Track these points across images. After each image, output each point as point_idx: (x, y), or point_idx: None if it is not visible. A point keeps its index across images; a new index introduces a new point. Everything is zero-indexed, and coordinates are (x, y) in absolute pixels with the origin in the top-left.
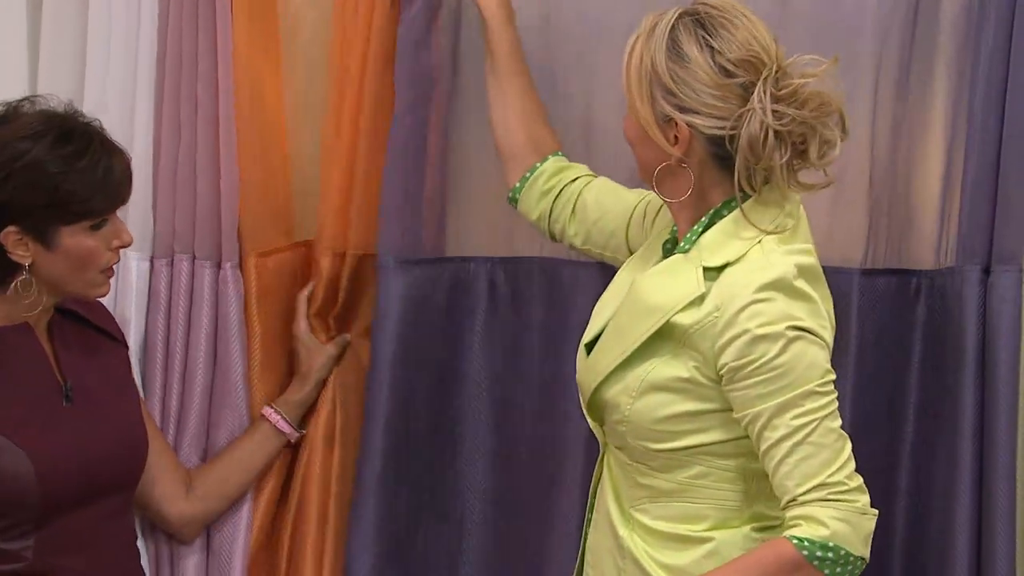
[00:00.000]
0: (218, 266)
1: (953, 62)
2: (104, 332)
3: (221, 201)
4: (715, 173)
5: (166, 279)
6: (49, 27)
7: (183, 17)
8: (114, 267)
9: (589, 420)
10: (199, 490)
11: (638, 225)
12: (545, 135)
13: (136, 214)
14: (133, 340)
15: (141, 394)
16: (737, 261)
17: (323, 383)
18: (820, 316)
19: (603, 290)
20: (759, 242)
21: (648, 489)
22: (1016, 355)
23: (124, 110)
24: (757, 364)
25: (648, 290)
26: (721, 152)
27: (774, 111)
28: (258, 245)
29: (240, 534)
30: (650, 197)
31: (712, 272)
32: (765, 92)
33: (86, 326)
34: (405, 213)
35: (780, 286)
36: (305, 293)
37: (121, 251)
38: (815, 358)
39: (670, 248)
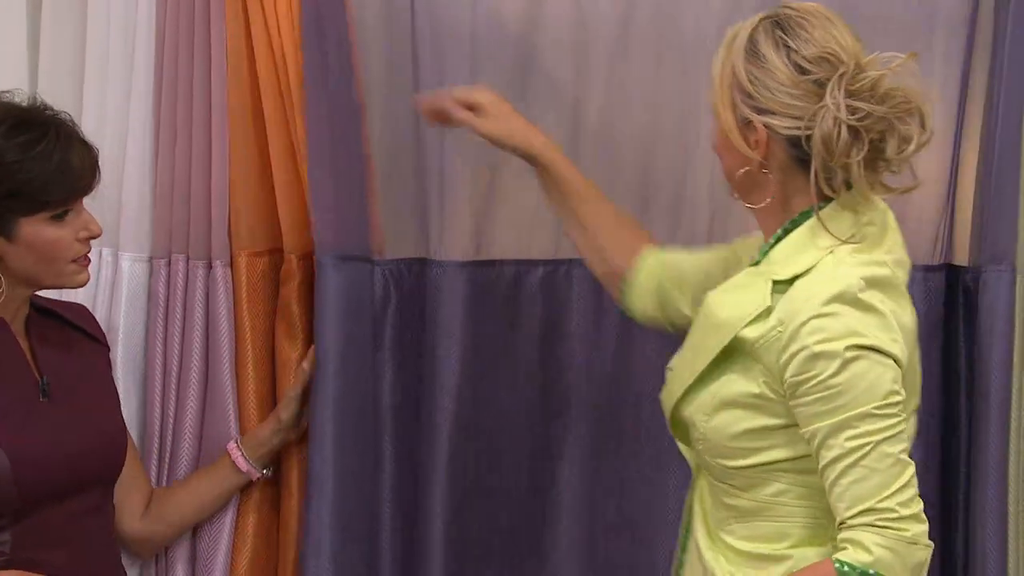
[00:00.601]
0: (210, 266)
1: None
2: (84, 332)
3: (212, 200)
4: (797, 178)
5: (164, 279)
6: (49, 29)
7: (180, 17)
8: (89, 256)
9: (677, 442)
10: (155, 512)
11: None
12: (636, 238)
13: (131, 213)
14: (124, 343)
15: (120, 397)
16: (806, 273)
17: (295, 424)
18: (890, 330)
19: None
20: (831, 252)
21: (733, 510)
22: (1008, 354)
23: (122, 111)
24: (815, 382)
25: (717, 305)
26: (800, 154)
27: (849, 107)
28: (249, 245)
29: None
30: (735, 245)
31: (782, 285)
32: (839, 88)
33: (65, 325)
34: (337, 207)
35: (845, 299)
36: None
37: (118, 253)
38: (877, 378)
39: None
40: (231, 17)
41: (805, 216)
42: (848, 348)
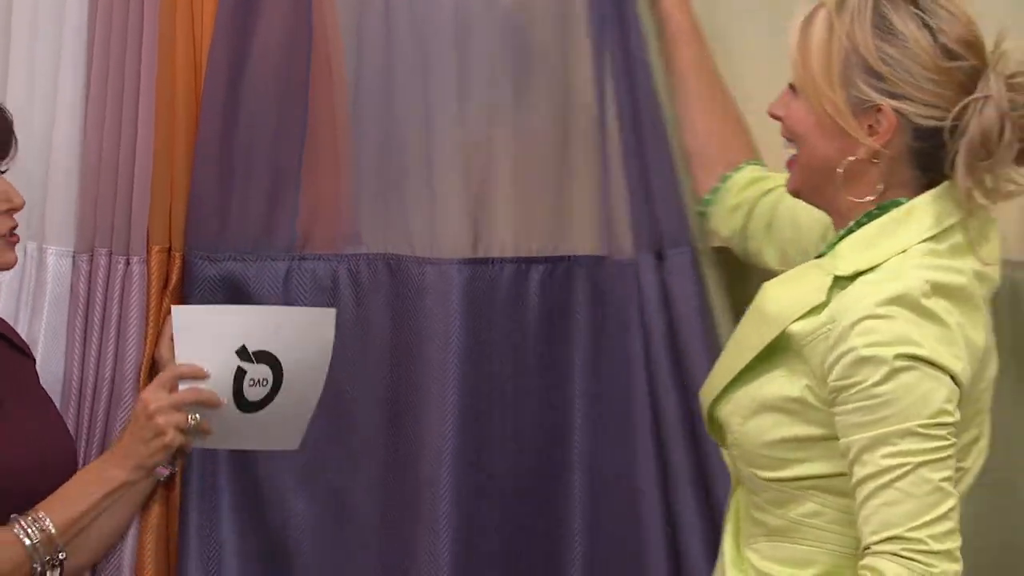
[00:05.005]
0: (128, 262)
1: None
2: (11, 343)
3: (133, 194)
4: (903, 171)
5: (85, 276)
6: None
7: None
8: (16, 233)
9: (720, 445)
10: (74, 541)
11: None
12: (737, 138)
13: (58, 203)
14: (45, 352)
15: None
16: (871, 270)
17: None
18: (952, 344)
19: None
20: (904, 251)
21: (762, 526)
22: (702, 337)
23: (49, 92)
24: (857, 389)
25: (770, 298)
26: (926, 146)
27: (1010, 100)
28: (161, 241)
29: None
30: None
31: (844, 281)
32: (999, 77)
33: None
34: (221, 200)
35: (904, 302)
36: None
37: (43, 247)
38: (926, 394)
39: None
40: (164, 8)
41: (884, 209)
42: (898, 356)
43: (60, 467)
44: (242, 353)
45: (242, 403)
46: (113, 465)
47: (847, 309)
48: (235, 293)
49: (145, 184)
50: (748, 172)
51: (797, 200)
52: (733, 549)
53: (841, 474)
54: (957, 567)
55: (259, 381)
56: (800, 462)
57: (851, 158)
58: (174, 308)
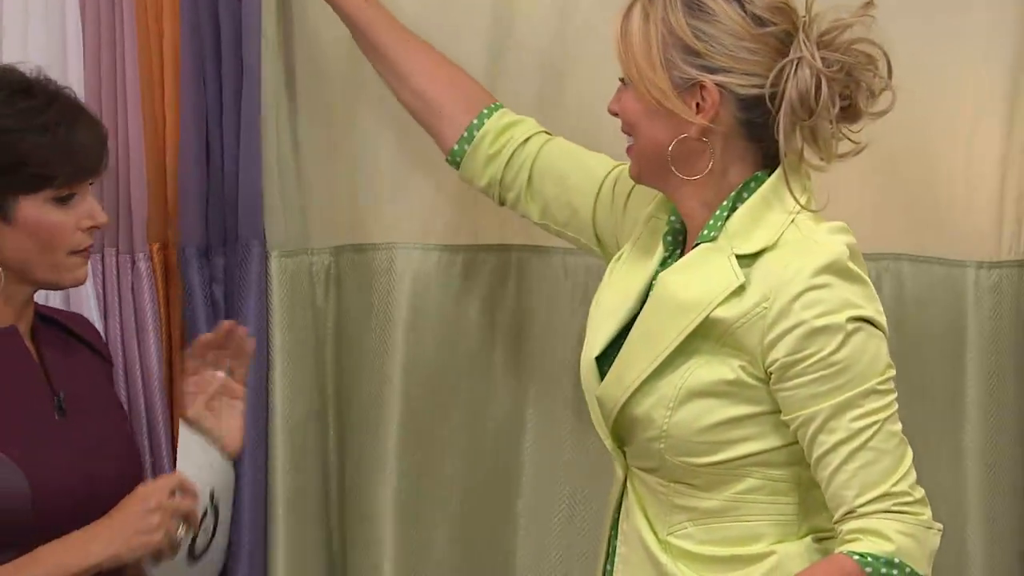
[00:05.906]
0: (133, 261)
1: None
2: (88, 345)
3: (131, 191)
4: (738, 145)
5: (99, 275)
6: None
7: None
8: (90, 250)
9: (609, 444)
10: None
11: (607, 205)
12: (469, 84)
13: None
14: None
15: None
16: (775, 246)
17: None
18: (875, 300)
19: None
20: (792, 222)
21: (689, 511)
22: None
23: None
24: (814, 359)
25: (678, 286)
26: (753, 117)
27: (824, 58)
28: (164, 237)
29: None
30: (620, 170)
31: (747, 260)
32: (809, 37)
33: (69, 336)
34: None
35: (835, 269)
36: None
37: None
38: (876, 351)
39: (672, 241)
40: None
41: (747, 187)
42: (849, 320)
43: (125, 479)
44: (211, 496)
45: (192, 546)
46: (101, 542)
47: (782, 285)
48: (225, 287)
49: (141, 182)
50: (499, 117)
51: (556, 153)
52: (654, 538)
53: (785, 446)
54: (930, 509)
55: (207, 529)
56: (739, 442)
57: (682, 136)
58: (182, 423)
